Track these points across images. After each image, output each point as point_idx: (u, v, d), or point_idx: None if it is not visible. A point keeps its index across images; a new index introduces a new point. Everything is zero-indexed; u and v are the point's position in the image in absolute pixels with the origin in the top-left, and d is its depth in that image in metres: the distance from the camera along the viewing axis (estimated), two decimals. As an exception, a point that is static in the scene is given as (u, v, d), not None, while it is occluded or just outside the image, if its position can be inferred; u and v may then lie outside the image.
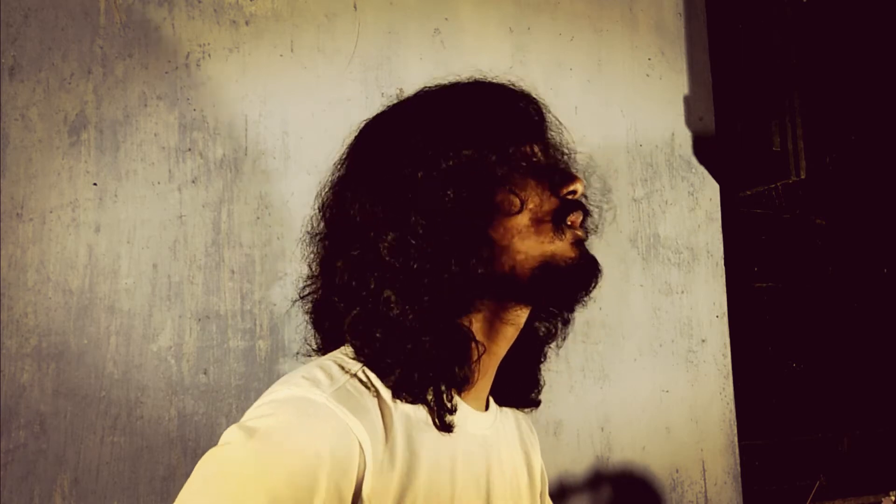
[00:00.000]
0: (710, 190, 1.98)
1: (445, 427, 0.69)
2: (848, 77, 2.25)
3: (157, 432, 1.29)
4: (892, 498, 1.80)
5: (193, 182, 1.38)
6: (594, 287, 0.75)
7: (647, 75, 1.93)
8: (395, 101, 0.83)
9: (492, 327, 0.75)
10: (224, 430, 1.41)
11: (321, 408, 0.63)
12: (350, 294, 0.72)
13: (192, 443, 1.32)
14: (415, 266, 0.69)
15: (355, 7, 1.58)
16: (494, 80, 0.80)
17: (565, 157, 0.82)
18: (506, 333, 0.76)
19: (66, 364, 1.25)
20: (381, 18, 1.60)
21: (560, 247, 0.73)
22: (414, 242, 0.69)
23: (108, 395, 1.27)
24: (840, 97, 2.24)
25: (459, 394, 0.74)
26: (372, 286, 0.70)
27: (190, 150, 1.39)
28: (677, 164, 1.94)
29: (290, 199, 1.46)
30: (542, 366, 0.88)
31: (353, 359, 0.71)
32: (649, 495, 1.76)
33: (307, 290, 0.79)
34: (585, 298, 0.76)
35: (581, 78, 1.83)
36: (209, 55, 1.42)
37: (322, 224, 0.79)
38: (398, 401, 0.68)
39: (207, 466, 0.60)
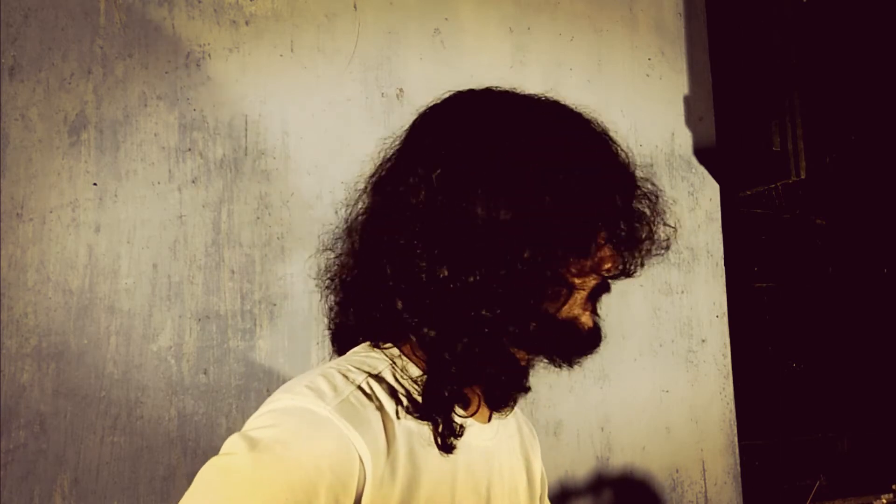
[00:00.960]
0: (710, 190, 1.98)
1: (447, 448, 0.69)
2: (848, 77, 2.25)
3: (157, 432, 1.29)
4: (884, 501, 1.80)
5: (193, 182, 1.38)
6: (592, 355, 0.78)
7: (647, 75, 1.93)
8: (508, 91, 0.77)
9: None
10: (224, 430, 1.41)
11: (323, 420, 0.63)
12: (435, 292, 0.69)
13: (192, 443, 1.32)
14: (519, 296, 0.69)
15: (355, 7, 1.58)
16: (601, 131, 0.78)
17: (651, 214, 0.80)
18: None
19: (66, 364, 1.25)
20: (381, 18, 1.60)
21: (585, 313, 0.75)
22: (528, 274, 0.68)
23: (108, 395, 1.27)
24: (840, 97, 2.24)
25: (466, 409, 0.75)
26: (468, 295, 0.68)
27: (190, 150, 1.39)
28: (677, 164, 1.94)
29: (290, 199, 1.46)
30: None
31: (358, 368, 0.70)
32: (649, 495, 1.76)
33: (345, 273, 0.76)
34: (580, 361, 0.78)
35: (581, 78, 1.83)
36: (209, 55, 1.42)
37: (384, 198, 0.74)
38: (401, 415, 0.68)
39: (209, 475, 0.61)
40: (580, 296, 0.73)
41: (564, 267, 0.71)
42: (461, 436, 0.71)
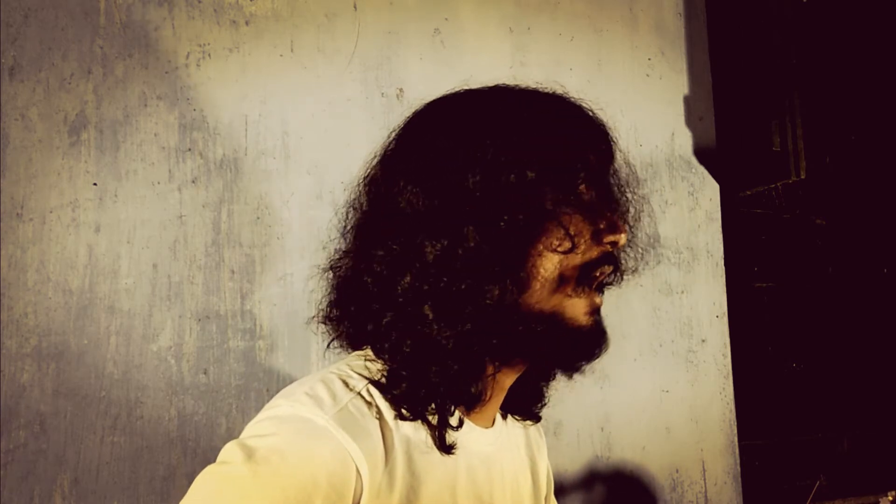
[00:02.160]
0: (710, 190, 1.98)
1: (446, 448, 0.68)
2: (848, 77, 2.25)
3: (157, 432, 1.29)
4: (890, 498, 1.80)
5: (193, 182, 1.38)
6: (597, 358, 0.71)
7: (647, 75, 1.93)
8: (468, 88, 0.75)
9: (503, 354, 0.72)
10: (224, 430, 1.41)
11: (321, 430, 0.62)
12: (384, 292, 0.68)
13: (192, 443, 1.32)
14: (462, 287, 0.65)
15: (355, 7, 1.58)
16: (573, 100, 0.74)
17: (624, 198, 0.76)
18: (514, 364, 0.74)
19: (66, 364, 1.25)
20: (381, 18, 1.60)
21: (573, 304, 0.69)
22: (463, 258, 0.65)
23: (108, 395, 1.27)
24: (840, 97, 2.24)
25: (468, 413, 0.74)
26: (410, 295, 0.67)
27: (190, 150, 1.39)
28: (677, 164, 1.94)
29: (290, 199, 1.46)
30: (550, 383, 0.86)
31: (359, 374, 0.70)
32: (649, 495, 1.76)
33: (339, 264, 0.75)
34: (584, 367, 0.73)
35: (581, 78, 1.83)
36: (209, 55, 1.42)
37: (365, 199, 0.74)
38: (400, 421, 0.68)
39: (206, 484, 0.61)
40: (554, 279, 0.66)
41: (512, 252, 0.65)
42: (458, 428, 0.70)
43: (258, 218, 1.43)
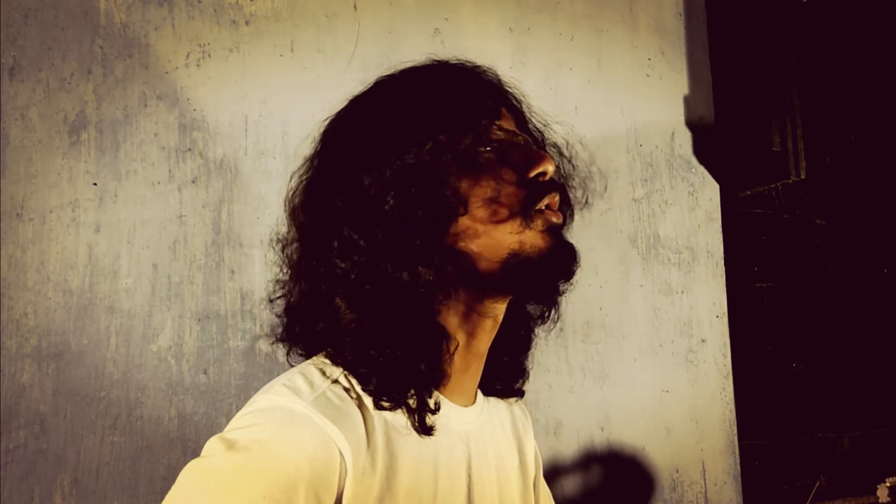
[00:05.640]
0: (710, 190, 1.98)
1: (426, 430, 0.69)
2: (848, 77, 2.25)
3: (157, 432, 1.29)
4: (888, 484, 1.80)
5: (193, 182, 1.38)
6: (573, 275, 0.71)
7: (647, 75, 1.93)
8: (353, 97, 0.81)
9: (469, 321, 0.73)
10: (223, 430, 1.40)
11: (300, 417, 0.63)
12: (312, 303, 0.71)
13: (192, 443, 1.32)
14: (361, 274, 0.68)
15: (355, 7, 1.58)
16: (443, 61, 0.77)
17: (536, 133, 0.78)
18: (485, 326, 0.74)
19: (66, 364, 1.25)
20: (381, 18, 1.60)
21: (529, 236, 0.69)
22: (358, 250, 0.68)
23: (108, 395, 1.27)
24: (840, 97, 2.24)
25: (447, 391, 0.74)
26: (325, 294, 0.70)
27: (190, 150, 1.39)
28: (677, 164, 1.94)
29: (290, 199, 1.46)
30: (529, 354, 0.85)
31: (334, 363, 0.70)
32: (649, 496, 1.76)
33: (278, 294, 0.78)
34: (564, 287, 0.73)
35: (581, 78, 1.83)
36: (209, 55, 1.42)
37: (292, 229, 0.78)
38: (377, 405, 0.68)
39: (188, 478, 0.61)
40: (493, 219, 0.68)
41: (429, 213, 0.68)
42: (436, 411, 0.70)
43: (258, 218, 1.43)
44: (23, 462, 1.20)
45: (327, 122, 0.81)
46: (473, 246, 0.69)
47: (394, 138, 0.70)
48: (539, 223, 0.69)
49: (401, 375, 0.68)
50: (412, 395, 0.69)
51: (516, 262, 0.68)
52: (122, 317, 1.30)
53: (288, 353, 0.78)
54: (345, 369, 0.69)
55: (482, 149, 0.71)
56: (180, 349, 1.33)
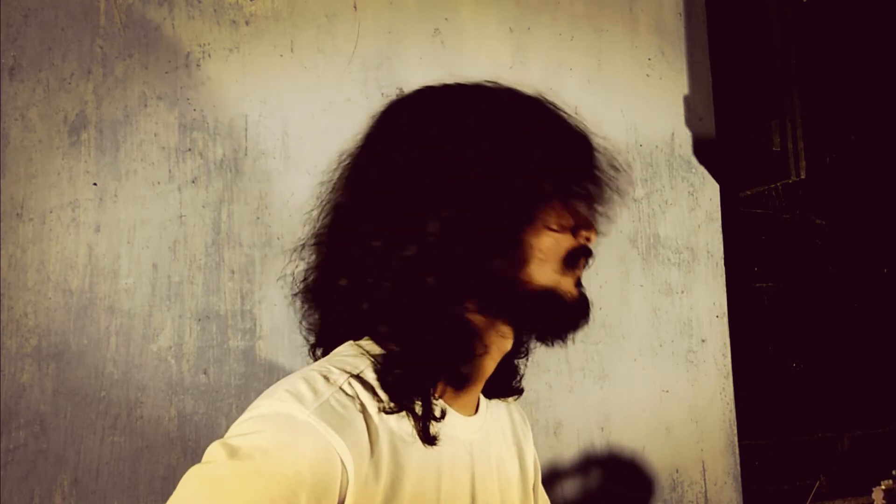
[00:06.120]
0: (710, 190, 1.98)
1: (430, 440, 0.69)
2: (848, 77, 2.25)
3: (157, 432, 1.29)
4: (884, 487, 1.80)
5: (193, 182, 1.38)
6: (587, 323, 0.77)
7: (647, 75, 1.93)
8: (457, 84, 0.83)
9: (489, 336, 0.76)
10: (224, 430, 1.40)
11: (303, 425, 0.63)
12: (382, 264, 0.71)
13: (192, 443, 1.32)
14: (463, 257, 0.69)
15: (355, 7, 1.58)
16: (554, 108, 0.81)
17: (603, 196, 0.83)
18: (501, 346, 0.78)
19: (66, 364, 1.25)
20: (381, 18, 1.60)
21: (565, 282, 0.75)
22: (465, 231, 0.69)
23: (108, 395, 1.27)
24: (840, 97, 2.24)
25: (452, 401, 0.75)
26: (413, 264, 0.69)
27: (190, 150, 1.39)
28: (677, 164, 1.94)
29: (290, 199, 1.46)
30: (524, 359, 0.88)
31: (340, 369, 0.70)
32: (649, 495, 1.76)
33: (310, 274, 0.80)
34: (572, 335, 0.78)
35: (581, 78, 1.83)
36: (209, 55, 1.42)
37: (342, 192, 0.79)
38: (383, 413, 0.68)
39: (190, 484, 0.61)
40: (550, 258, 0.73)
41: (513, 228, 0.72)
42: (442, 419, 0.71)
43: (258, 218, 1.43)
44: (23, 462, 1.20)
45: (425, 92, 0.84)
46: (520, 272, 0.73)
47: (508, 158, 0.72)
48: (574, 274, 0.76)
49: (428, 363, 0.70)
50: (418, 402, 0.69)
51: (550, 297, 0.74)
52: (122, 317, 1.30)
53: (314, 346, 0.80)
54: (377, 343, 0.72)
55: (579, 189, 0.78)
56: (180, 349, 1.33)
